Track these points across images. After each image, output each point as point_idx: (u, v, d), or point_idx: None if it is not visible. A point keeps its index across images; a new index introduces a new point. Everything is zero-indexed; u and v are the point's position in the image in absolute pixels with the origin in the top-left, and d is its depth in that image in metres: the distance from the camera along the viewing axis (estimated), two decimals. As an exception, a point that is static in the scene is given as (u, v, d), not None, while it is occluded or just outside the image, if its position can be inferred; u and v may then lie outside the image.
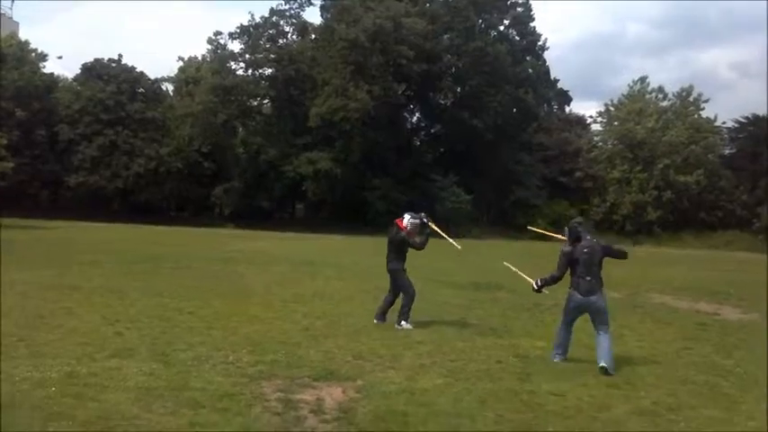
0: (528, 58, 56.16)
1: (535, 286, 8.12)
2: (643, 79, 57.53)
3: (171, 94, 58.78)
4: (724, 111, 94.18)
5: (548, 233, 9.14)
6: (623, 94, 57.73)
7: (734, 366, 7.75)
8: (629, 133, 53.65)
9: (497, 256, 27.97)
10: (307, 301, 11.55)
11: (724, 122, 56.67)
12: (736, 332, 10.41)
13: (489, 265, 21.47)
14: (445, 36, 53.11)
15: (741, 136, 57.28)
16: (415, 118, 58.87)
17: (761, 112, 56.26)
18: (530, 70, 55.57)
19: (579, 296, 7.51)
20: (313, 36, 54.33)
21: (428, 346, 8.08)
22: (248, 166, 51.55)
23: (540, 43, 56.76)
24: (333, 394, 5.83)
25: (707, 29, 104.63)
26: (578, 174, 54.35)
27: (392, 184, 47.83)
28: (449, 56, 52.86)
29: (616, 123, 56.48)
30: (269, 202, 53.98)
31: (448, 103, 55.96)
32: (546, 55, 57.43)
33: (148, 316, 9.14)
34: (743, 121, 57.13)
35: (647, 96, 56.83)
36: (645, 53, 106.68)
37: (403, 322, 9.13)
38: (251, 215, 49.74)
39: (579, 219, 8.36)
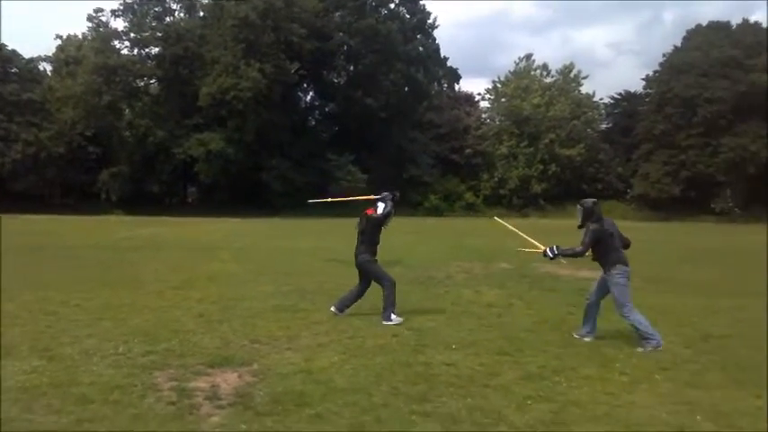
0: (418, 36, 56.94)
1: (549, 254, 7.67)
2: (528, 56, 60.01)
3: (49, 74, 55.16)
4: (601, 87, 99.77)
5: (515, 229, 8.98)
6: (510, 71, 59.96)
7: (609, 327, 8.33)
8: (516, 109, 55.84)
9: (394, 232, 28.45)
10: (201, 286, 11.30)
11: (601, 98, 60.29)
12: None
13: (386, 242, 21.79)
14: (337, 14, 52.89)
15: (616, 111, 61.12)
16: (309, 97, 58.58)
17: (633, 88, 60.24)
18: (420, 48, 56.41)
19: (628, 268, 7.39)
20: (201, 14, 52.54)
21: (325, 325, 8.14)
22: (136, 149, 49.43)
23: (429, 21, 57.62)
24: (228, 380, 5.77)
25: (585, 8, 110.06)
26: (468, 150, 56.06)
27: (288, 165, 47.40)
28: (341, 34, 52.73)
29: (503, 100, 58.60)
30: (159, 185, 52.08)
31: (341, 82, 55.96)
32: (435, 33, 58.46)
33: (30, 310, 8.64)
34: (617, 97, 60.91)
35: (533, 73, 59.28)
36: (530, 31, 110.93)
37: (393, 316, 8.41)
38: (140, 201, 47.82)
39: (593, 199, 7.94)
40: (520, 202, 54.18)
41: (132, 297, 9.91)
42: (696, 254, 20.15)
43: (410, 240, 23.61)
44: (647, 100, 56.61)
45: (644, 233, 28.07)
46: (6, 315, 8.33)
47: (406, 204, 50.57)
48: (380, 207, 8.88)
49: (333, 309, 8.86)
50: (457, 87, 64.29)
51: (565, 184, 55.38)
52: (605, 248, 7.40)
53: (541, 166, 54.47)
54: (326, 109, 58.39)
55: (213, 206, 47.21)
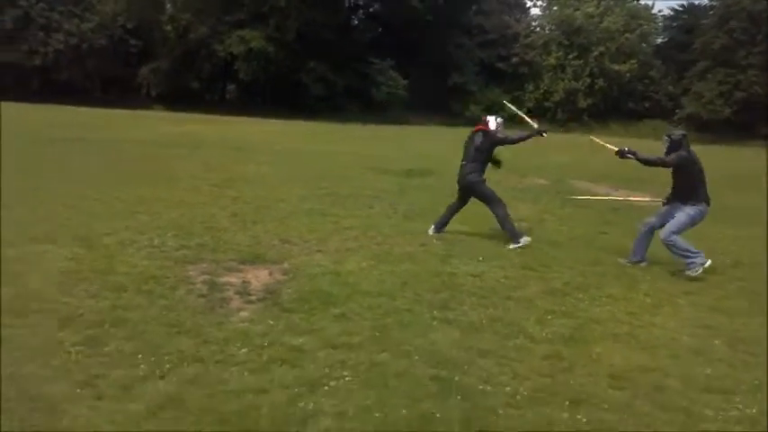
0: (469, -64, 54.14)
1: (626, 149, 7.47)
2: (584, -37, 56.62)
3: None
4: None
5: (609, 146, 8.05)
6: (564, -22, 56.88)
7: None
8: (568, 19, 53.41)
9: (432, 141, 28.21)
10: (237, 186, 11.46)
11: (660, 11, 57.05)
12: (644, 215, 10.95)
13: (423, 151, 21.71)
14: None
15: (674, 25, 57.90)
16: (353, -5, 56.71)
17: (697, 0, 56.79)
18: (471, -51, 53.78)
19: (707, 207, 7.20)
20: None
21: (356, 230, 8.24)
22: (176, 44, 48.97)
23: None
24: (259, 276, 5.95)
25: None
26: (515, 59, 54.19)
27: (328, 67, 46.58)
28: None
29: (555, 8, 55.98)
30: (198, 82, 51.95)
31: (388, -20, 53.93)
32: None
33: (70, 199, 8.93)
34: (678, 9, 57.55)
35: (588, -20, 56.19)
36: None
37: (522, 239, 7.86)
38: (180, 96, 47.81)
39: (681, 131, 7.58)
40: (564, 116, 52.70)
41: (168, 192, 10.14)
42: (740, 179, 19.56)
43: (447, 150, 23.38)
44: (710, 13, 53.39)
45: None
46: (48, 203, 8.62)
47: (447, 113, 49.83)
48: (492, 121, 8.23)
49: (431, 231, 8.33)
50: (507, -9, 61.56)
51: (612, 100, 53.50)
52: (694, 181, 7.15)
53: (589, 80, 52.59)
54: (370, 9, 56.69)
55: (252, 106, 47.04)
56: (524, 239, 7.88)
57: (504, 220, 8.03)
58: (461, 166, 8.27)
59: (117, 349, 4.16)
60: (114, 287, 5.30)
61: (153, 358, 4.03)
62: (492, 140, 8.17)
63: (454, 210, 8.49)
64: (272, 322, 4.83)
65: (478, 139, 8.20)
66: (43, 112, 30.15)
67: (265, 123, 34.31)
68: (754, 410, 3.88)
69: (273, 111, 43.10)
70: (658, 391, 4.07)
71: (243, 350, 4.29)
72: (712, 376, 4.35)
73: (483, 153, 8.17)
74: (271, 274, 6.08)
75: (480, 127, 8.30)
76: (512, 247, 7.77)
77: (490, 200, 8.17)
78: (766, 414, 3.85)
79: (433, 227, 8.39)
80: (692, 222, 7.20)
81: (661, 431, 3.61)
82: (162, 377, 3.82)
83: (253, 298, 5.36)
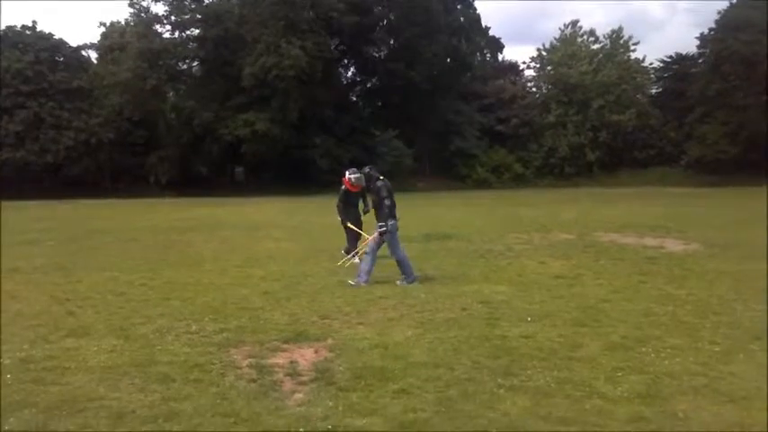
0: (459, 6, 55.89)
1: (380, 228, 9.19)
2: (574, 23, 58.12)
3: (95, 61, 55.96)
4: (654, 50, 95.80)
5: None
6: (555, 38, 58.26)
7: (687, 295, 7.99)
8: (563, 77, 54.37)
9: (445, 206, 28.18)
10: (261, 264, 11.29)
11: (651, 63, 58.16)
12: (683, 263, 10.75)
13: (438, 216, 21.63)
14: (375, -13, 52.23)
15: (666, 75, 58.87)
16: (350, 73, 58.09)
17: (684, 50, 58.00)
18: (461, 19, 55.40)
19: (395, 221, 9.28)
20: (239, -7, 52.42)
21: (392, 300, 8.00)
22: (182, 131, 49.87)
23: (470, -10, 56.53)
24: (305, 355, 5.70)
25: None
26: (515, 121, 54.81)
27: (333, 142, 47.25)
28: (380, 7, 52.03)
29: (549, 68, 57.06)
30: (206, 167, 52.61)
31: (382, 56, 55.37)
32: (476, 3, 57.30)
33: (99, 292, 8.74)
34: (667, 60, 58.68)
35: (579, 40, 57.51)
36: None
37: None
38: (188, 182, 48.43)
39: (371, 166, 9.91)
40: (572, 170, 52.85)
41: (196, 276, 9.96)
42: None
43: (462, 213, 23.31)
44: (700, 61, 54.24)
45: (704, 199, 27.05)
46: (78, 296, 8.44)
47: (454, 178, 50.20)
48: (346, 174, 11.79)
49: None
50: (500, 57, 63.11)
51: (617, 151, 53.73)
52: (386, 201, 9.15)
53: (591, 134, 53.03)
54: (368, 84, 57.95)
55: (260, 185, 47.53)
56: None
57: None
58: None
59: (175, 446, 3.89)
60: (160, 378, 5.04)
61: (216, 453, 3.76)
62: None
63: None
64: (330, 403, 4.56)
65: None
66: (57, 207, 30.36)
67: (277, 201, 34.44)
68: None
69: (281, 188, 43.47)
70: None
71: (307, 437, 4.02)
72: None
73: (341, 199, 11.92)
74: (317, 351, 5.83)
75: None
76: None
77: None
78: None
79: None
80: (394, 233, 9.38)
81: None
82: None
83: (305, 378, 5.10)
